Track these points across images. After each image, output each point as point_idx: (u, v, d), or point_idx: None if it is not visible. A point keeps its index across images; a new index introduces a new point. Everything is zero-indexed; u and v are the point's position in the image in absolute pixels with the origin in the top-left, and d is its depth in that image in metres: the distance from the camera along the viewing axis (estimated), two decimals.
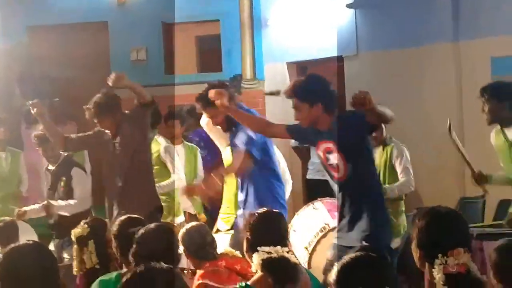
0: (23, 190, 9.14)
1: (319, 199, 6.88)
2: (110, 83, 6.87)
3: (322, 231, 6.49)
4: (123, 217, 5.20)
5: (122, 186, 6.96)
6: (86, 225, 5.33)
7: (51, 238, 8.03)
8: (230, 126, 6.60)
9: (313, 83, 5.63)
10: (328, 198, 6.71)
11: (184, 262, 5.64)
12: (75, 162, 8.04)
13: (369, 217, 5.49)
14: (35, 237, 7.51)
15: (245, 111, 6.45)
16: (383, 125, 7.27)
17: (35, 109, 7.09)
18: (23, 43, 12.17)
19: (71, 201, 7.80)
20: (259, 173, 6.51)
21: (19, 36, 12.15)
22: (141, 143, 7.02)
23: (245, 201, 6.61)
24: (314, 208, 6.72)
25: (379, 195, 5.76)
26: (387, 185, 7.18)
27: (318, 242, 6.42)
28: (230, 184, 7.88)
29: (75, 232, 5.32)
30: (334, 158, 5.56)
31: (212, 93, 6.23)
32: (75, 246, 5.33)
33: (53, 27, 12.03)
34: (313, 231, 6.48)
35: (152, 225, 4.78)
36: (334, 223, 6.43)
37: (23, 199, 9.04)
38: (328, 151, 5.58)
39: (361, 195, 5.54)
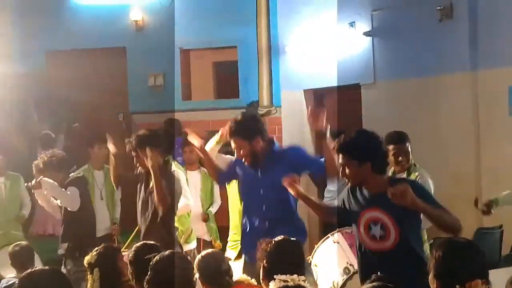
0: (26, 213, 9.14)
1: (337, 229, 6.76)
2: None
3: (346, 272, 6.37)
4: (138, 244, 5.20)
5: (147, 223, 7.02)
6: (95, 252, 5.29)
7: (57, 264, 7.98)
8: (256, 163, 6.43)
9: (364, 140, 5.26)
10: (346, 228, 6.59)
11: None
12: (74, 182, 7.79)
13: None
14: (39, 263, 7.52)
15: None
16: (410, 151, 7.13)
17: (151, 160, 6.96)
18: (41, 68, 12.26)
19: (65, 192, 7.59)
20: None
21: (38, 61, 12.24)
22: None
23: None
24: (334, 242, 6.58)
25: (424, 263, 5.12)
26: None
27: (344, 284, 6.34)
28: (235, 211, 7.86)
29: (86, 259, 5.30)
30: (378, 228, 5.18)
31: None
32: (87, 272, 5.32)
33: (71, 52, 12.12)
34: (337, 271, 6.39)
35: (167, 252, 4.77)
36: (356, 263, 6.36)
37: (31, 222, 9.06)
38: (373, 221, 5.20)
39: (407, 263, 5.13)
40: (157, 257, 4.68)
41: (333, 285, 6.34)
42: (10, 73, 11.14)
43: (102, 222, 8.35)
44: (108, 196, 8.81)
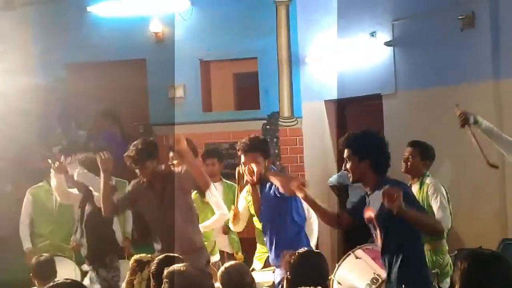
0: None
1: (358, 246, 6.81)
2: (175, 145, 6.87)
3: (374, 282, 6.37)
4: (161, 256, 5.19)
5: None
6: (148, 255, 5.53)
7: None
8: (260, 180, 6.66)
9: (366, 138, 5.55)
10: (367, 244, 6.64)
11: None
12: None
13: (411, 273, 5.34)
14: (77, 272, 7.61)
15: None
16: (420, 161, 7.30)
17: (102, 163, 7.01)
18: (61, 80, 12.27)
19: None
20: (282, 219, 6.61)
21: (58, 73, 12.26)
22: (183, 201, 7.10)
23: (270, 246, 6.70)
24: (356, 257, 6.62)
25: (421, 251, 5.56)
26: None
27: None
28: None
29: (136, 256, 5.54)
30: (371, 227, 5.47)
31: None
32: (129, 271, 5.47)
33: (91, 64, 12.13)
34: (363, 283, 6.38)
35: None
36: (383, 273, 6.35)
37: None
38: (369, 221, 5.47)
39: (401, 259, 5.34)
40: (172, 269, 4.62)
41: None
42: (31, 85, 11.15)
43: None
44: None
